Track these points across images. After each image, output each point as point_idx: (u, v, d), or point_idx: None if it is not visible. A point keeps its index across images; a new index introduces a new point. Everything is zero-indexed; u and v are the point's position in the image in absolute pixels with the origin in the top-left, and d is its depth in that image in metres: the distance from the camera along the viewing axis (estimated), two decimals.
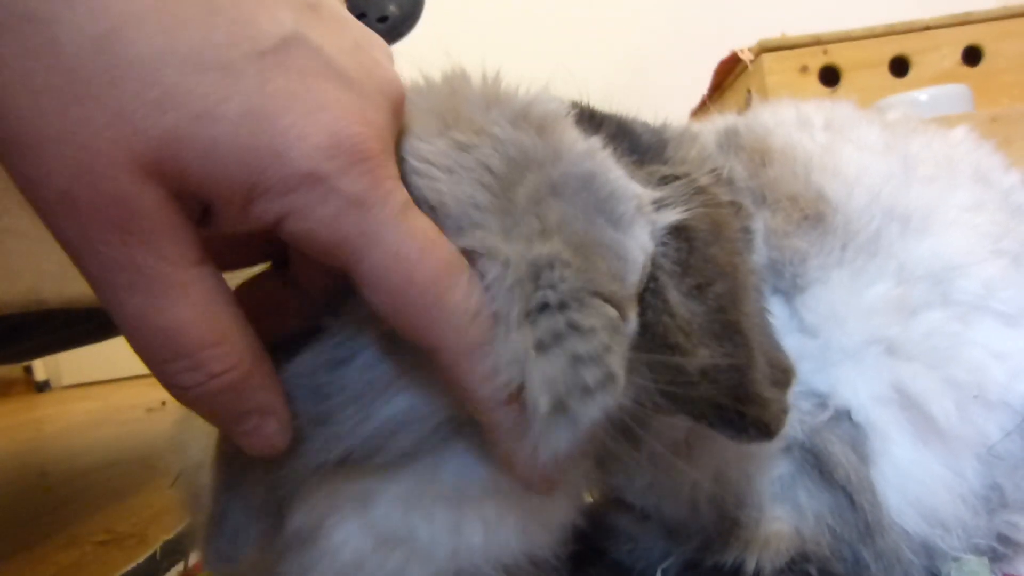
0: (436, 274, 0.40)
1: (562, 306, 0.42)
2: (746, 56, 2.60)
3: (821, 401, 0.61)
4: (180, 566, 0.98)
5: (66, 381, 4.62)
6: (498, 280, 0.43)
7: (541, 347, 0.42)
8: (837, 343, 0.62)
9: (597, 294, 0.43)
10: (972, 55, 2.63)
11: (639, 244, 0.46)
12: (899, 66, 2.64)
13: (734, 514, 0.62)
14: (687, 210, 0.51)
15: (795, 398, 0.60)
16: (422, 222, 0.41)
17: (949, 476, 0.61)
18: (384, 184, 0.39)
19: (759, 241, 0.65)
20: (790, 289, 0.64)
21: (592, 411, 0.43)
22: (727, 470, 0.62)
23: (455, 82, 0.52)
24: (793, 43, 2.58)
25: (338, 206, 0.37)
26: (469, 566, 0.53)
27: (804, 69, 2.60)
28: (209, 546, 0.51)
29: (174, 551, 1.04)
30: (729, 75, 2.77)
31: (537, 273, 0.43)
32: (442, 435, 0.48)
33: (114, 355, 4.29)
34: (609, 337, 0.43)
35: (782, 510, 0.61)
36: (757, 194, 0.67)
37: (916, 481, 0.60)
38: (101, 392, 3.91)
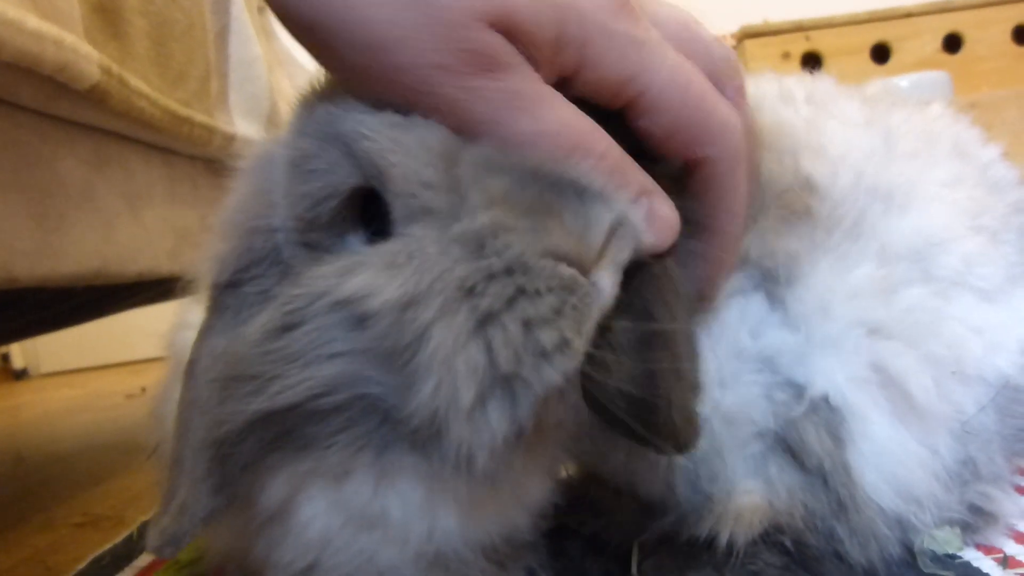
0: (703, 94, 0.49)
1: (508, 271, 0.42)
2: (728, 42, 2.61)
3: (798, 392, 0.60)
4: None
5: (45, 369, 4.57)
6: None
7: (492, 317, 0.42)
8: (820, 331, 0.61)
9: (549, 253, 0.42)
10: (952, 42, 2.65)
11: (600, 210, 0.45)
12: (880, 53, 2.65)
13: (707, 489, 0.62)
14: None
15: (770, 389, 0.60)
16: (676, 53, 0.49)
17: (924, 453, 0.61)
18: (645, 22, 0.47)
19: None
20: (779, 285, 0.62)
21: (550, 375, 0.42)
22: (699, 448, 0.61)
23: None
24: (775, 29, 2.59)
25: (623, 46, 0.45)
26: (449, 551, 0.53)
27: (786, 55, 2.60)
28: (154, 526, 0.50)
29: None
30: None
31: (481, 244, 0.43)
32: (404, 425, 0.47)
33: (94, 342, 4.25)
34: (560, 299, 0.42)
35: (754, 484, 0.61)
36: None
37: (892, 459, 0.60)
38: (80, 380, 3.86)
